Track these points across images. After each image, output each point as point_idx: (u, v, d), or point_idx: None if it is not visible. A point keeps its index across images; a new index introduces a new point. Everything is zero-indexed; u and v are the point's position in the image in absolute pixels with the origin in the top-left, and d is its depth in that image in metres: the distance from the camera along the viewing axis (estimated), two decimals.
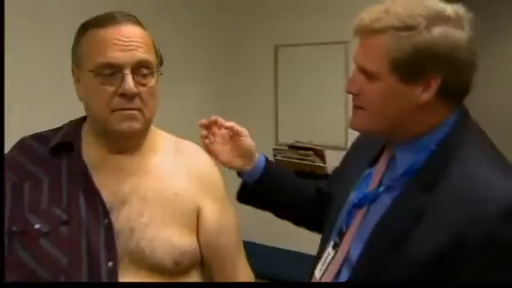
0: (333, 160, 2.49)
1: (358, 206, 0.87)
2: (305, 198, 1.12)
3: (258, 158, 1.09)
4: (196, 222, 0.95)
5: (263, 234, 2.64)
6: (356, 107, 0.86)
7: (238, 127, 1.06)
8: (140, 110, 0.88)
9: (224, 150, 1.06)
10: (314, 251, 0.99)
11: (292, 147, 2.64)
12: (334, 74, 2.59)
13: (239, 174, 1.10)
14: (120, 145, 0.92)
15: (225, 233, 0.99)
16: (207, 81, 2.90)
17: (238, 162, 1.06)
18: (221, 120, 1.07)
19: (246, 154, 1.06)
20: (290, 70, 2.80)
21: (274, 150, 2.72)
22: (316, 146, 2.56)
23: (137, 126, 0.87)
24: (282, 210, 1.15)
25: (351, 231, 0.86)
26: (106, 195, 0.88)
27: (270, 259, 2.71)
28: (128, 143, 0.92)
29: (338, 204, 0.93)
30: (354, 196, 0.90)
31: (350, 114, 2.70)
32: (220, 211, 0.98)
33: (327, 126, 2.62)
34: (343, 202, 0.92)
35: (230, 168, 1.08)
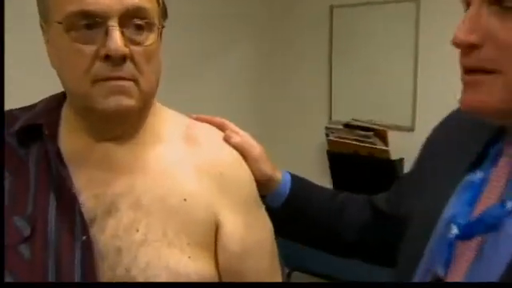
0: (397, 143, 2.17)
1: (464, 236, 0.57)
2: (354, 223, 0.85)
3: (283, 178, 0.84)
4: (213, 238, 0.70)
5: None
6: (481, 71, 0.54)
7: (241, 147, 0.76)
8: (133, 79, 0.63)
9: None
10: None
11: (348, 126, 2.34)
12: (400, 39, 2.23)
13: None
14: (107, 130, 0.68)
15: (253, 254, 0.73)
16: (252, 47, 2.63)
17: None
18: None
19: (258, 182, 0.78)
20: (348, 34, 2.45)
21: (327, 128, 2.43)
22: (377, 125, 2.24)
23: (129, 102, 0.63)
24: (322, 242, 0.88)
25: (457, 276, 0.57)
26: (87, 200, 0.65)
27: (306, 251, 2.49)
28: (118, 127, 0.68)
29: (422, 231, 0.64)
30: (448, 219, 0.61)
31: (420, 87, 2.33)
32: (245, 224, 0.72)
33: (391, 101, 2.27)
34: (430, 227, 0.63)
35: None
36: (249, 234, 0.72)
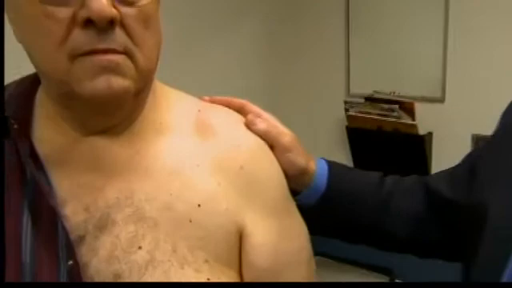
0: (424, 116, 2.00)
1: None
2: (405, 214, 0.72)
3: (318, 168, 0.70)
4: (238, 251, 0.57)
5: None
6: None
7: (269, 135, 0.62)
8: (127, 51, 0.48)
9: None
10: None
11: (370, 99, 2.16)
12: (427, 2, 2.03)
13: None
14: (96, 121, 0.53)
15: (287, 267, 0.59)
16: (262, 19, 2.44)
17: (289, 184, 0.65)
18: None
19: (290, 176, 0.64)
20: None
21: (346, 103, 2.26)
22: (402, 97, 2.07)
23: (123, 83, 0.48)
24: (367, 239, 0.76)
25: None
26: (73, 213, 0.52)
27: None
28: (110, 117, 0.53)
29: (508, 227, 0.52)
30: None
31: (450, 54, 2.11)
32: (276, 231, 0.58)
33: (417, 71, 2.09)
34: None
35: None
36: (281, 242, 0.59)
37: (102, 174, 0.54)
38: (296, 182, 0.67)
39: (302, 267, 0.62)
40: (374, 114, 2.13)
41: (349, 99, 2.30)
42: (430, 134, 2.03)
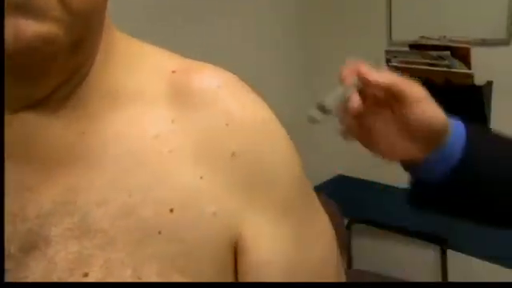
0: (483, 63, 1.76)
1: None
2: None
3: (450, 133, 0.57)
4: (232, 273, 0.41)
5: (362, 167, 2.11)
6: None
7: (396, 86, 0.55)
8: None
9: (387, 132, 0.58)
10: None
11: (415, 47, 1.93)
12: None
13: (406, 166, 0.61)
14: (18, 89, 0.38)
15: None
16: None
17: (411, 151, 0.57)
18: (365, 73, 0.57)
19: (423, 134, 0.56)
20: None
21: (388, 52, 2.04)
22: (455, 42, 1.82)
23: (39, 28, 0.33)
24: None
25: None
26: None
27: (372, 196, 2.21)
28: (33, 82, 0.38)
29: None
30: None
31: None
32: (291, 243, 0.42)
33: (474, 6, 1.82)
34: None
35: (398, 161, 0.60)
36: (298, 257, 0.43)
37: (35, 167, 0.39)
38: (429, 142, 0.56)
39: (328, 279, 0.46)
40: (420, 63, 1.89)
41: (391, 48, 2.07)
42: (490, 83, 1.79)
